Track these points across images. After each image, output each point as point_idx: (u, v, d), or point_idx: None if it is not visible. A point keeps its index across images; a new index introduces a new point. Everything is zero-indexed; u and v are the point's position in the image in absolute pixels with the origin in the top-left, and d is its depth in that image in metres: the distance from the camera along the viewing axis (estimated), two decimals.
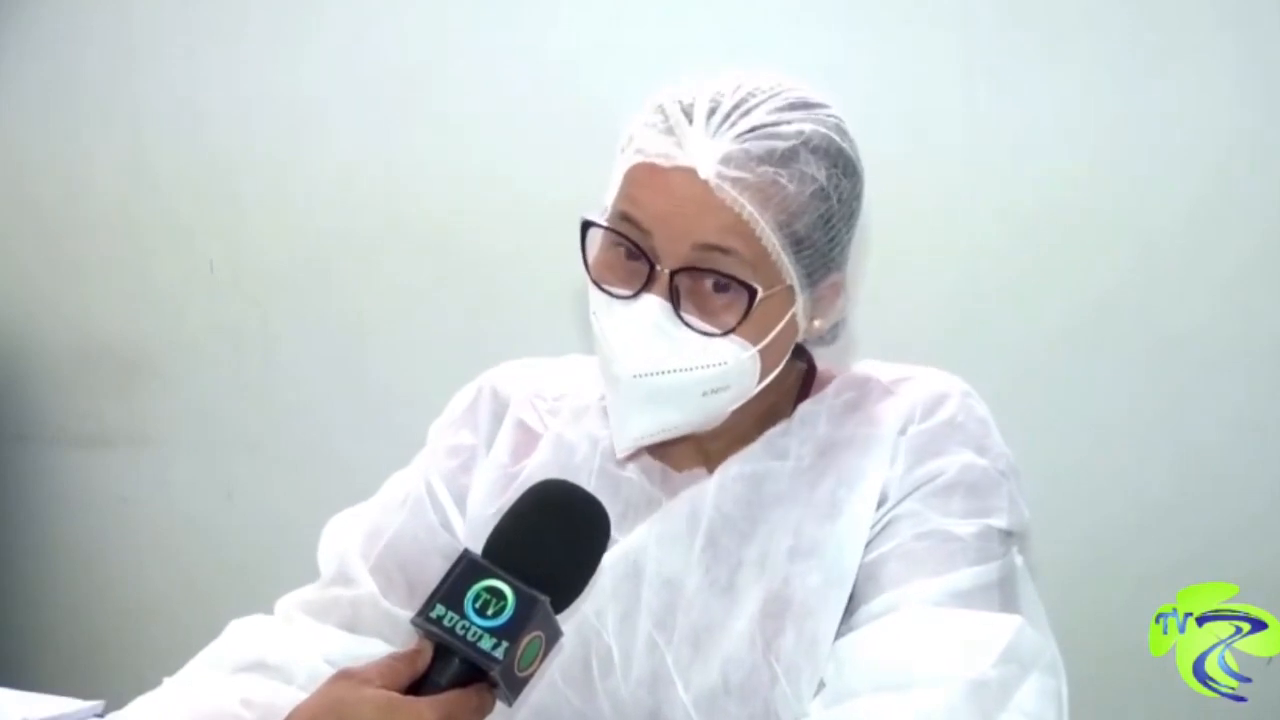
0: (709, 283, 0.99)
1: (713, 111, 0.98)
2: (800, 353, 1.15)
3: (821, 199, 0.99)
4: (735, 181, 0.96)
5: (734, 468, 1.07)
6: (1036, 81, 1.76)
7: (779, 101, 1.00)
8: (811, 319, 1.05)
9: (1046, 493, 1.66)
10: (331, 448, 2.26)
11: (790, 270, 1.00)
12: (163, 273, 2.47)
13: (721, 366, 1.00)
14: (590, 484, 1.07)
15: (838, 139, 1.00)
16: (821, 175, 0.98)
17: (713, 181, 0.96)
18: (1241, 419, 1.68)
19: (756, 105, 0.99)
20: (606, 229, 1.02)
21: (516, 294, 2.08)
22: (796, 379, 1.13)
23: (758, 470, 1.06)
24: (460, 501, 1.16)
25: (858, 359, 1.14)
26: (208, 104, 2.39)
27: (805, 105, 1.01)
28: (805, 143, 0.98)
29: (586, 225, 1.03)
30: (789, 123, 0.98)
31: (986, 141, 1.79)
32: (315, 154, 2.30)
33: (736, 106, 0.99)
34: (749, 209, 0.96)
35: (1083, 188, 1.74)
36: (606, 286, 1.02)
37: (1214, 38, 1.67)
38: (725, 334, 0.99)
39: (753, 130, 0.98)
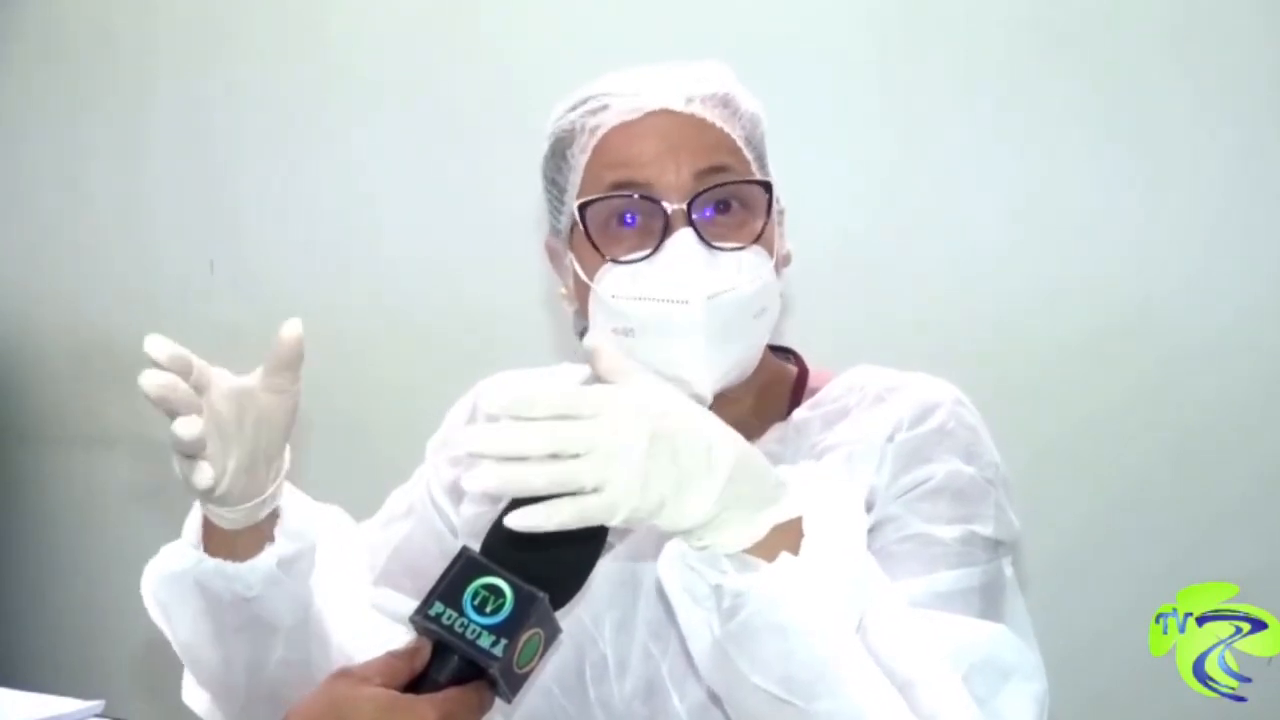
0: (713, 210, 1.02)
1: (653, 73, 1.06)
2: (792, 357, 1.16)
3: (759, 121, 1.08)
4: (704, 100, 1.04)
5: None
6: (1038, 84, 1.76)
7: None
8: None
9: (1046, 492, 1.67)
10: (331, 448, 2.26)
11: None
12: (163, 273, 2.47)
13: (760, 282, 1.03)
14: None
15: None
16: (753, 102, 1.08)
17: (685, 109, 1.03)
18: (1242, 417, 1.68)
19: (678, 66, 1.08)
20: (607, 198, 1.03)
21: (520, 298, 2.08)
22: (789, 381, 1.13)
23: None
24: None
25: (855, 361, 1.14)
26: (208, 104, 2.40)
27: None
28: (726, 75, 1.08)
29: (585, 206, 1.04)
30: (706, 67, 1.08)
31: (987, 143, 1.79)
32: (315, 154, 2.30)
33: (663, 68, 1.07)
34: (724, 126, 1.03)
35: (1083, 189, 1.74)
36: (624, 258, 1.02)
37: (1223, 38, 1.67)
38: (756, 240, 1.03)
39: (687, 70, 1.06)
